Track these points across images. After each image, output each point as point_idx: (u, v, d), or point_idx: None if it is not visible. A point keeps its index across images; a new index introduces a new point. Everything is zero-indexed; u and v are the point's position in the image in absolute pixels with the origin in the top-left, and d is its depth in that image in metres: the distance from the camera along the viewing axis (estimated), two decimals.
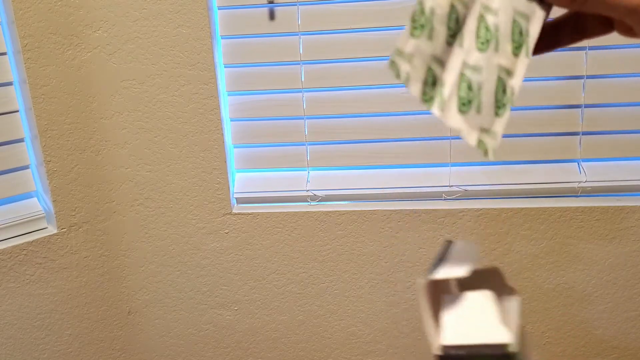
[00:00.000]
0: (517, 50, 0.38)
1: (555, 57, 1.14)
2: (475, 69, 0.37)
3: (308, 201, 1.26)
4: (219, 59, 1.19)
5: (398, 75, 0.37)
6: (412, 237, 1.23)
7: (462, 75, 0.37)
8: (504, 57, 0.38)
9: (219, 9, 1.17)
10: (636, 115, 1.16)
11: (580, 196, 1.20)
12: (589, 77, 1.15)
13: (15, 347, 1.20)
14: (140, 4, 1.13)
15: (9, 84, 1.12)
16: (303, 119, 1.22)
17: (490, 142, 0.37)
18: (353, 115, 1.20)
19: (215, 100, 1.18)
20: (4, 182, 1.14)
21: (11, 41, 1.10)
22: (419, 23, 0.37)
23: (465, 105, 0.37)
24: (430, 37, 0.37)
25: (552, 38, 0.40)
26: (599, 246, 1.21)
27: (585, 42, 1.12)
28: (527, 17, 0.38)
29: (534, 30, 0.38)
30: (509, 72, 0.38)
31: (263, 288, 1.32)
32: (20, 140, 1.15)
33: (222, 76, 1.21)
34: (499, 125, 0.38)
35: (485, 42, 0.37)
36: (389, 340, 1.33)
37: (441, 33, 0.37)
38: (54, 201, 1.16)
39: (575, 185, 1.19)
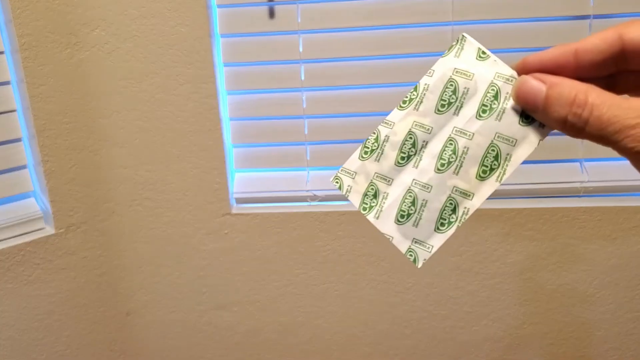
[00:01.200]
0: (484, 174, 0.39)
1: None
2: (425, 187, 0.40)
3: (308, 201, 1.25)
4: (218, 57, 1.18)
5: (340, 188, 0.41)
6: None
7: (409, 190, 0.40)
8: (462, 179, 0.39)
9: (218, 7, 1.16)
10: None
11: (582, 196, 1.19)
12: None
13: (13, 348, 1.19)
14: (139, 2, 1.12)
15: (7, 83, 1.11)
16: (303, 118, 1.21)
17: (421, 253, 0.40)
18: (353, 114, 1.20)
19: (214, 99, 1.18)
20: (1, 182, 1.13)
21: (9, 40, 1.09)
22: (370, 149, 0.42)
23: (403, 218, 0.40)
24: (378, 159, 0.41)
25: None
26: (602, 247, 1.20)
27: None
28: (514, 141, 0.39)
29: (520, 155, 0.39)
30: (466, 194, 0.40)
31: (263, 289, 1.31)
32: (18, 140, 1.14)
33: (222, 75, 1.20)
34: (438, 240, 0.40)
35: (447, 164, 0.40)
36: (390, 341, 1.32)
37: (391, 156, 0.41)
38: (51, 201, 1.16)
39: (578, 185, 1.18)
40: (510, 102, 0.39)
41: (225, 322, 1.34)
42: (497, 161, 0.39)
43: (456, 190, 0.40)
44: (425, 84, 0.41)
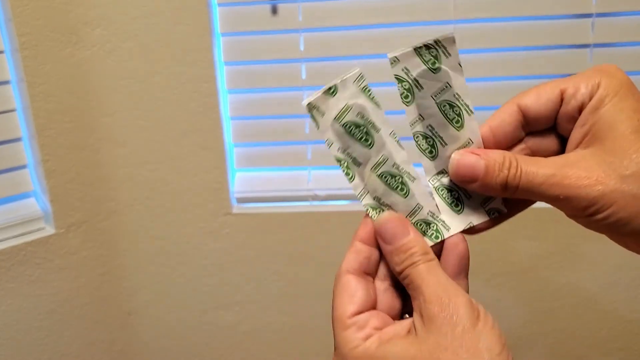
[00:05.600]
0: (458, 123, 0.43)
1: (560, 55, 1.13)
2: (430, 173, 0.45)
3: (309, 201, 1.25)
4: (219, 56, 1.18)
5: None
6: None
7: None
8: (453, 142, 0.44)
9: (218, 6, 1.16)
10: None
11: None
12: None
13: (14, 348, 1.19)
14: (140, 1, 1.12)
15: (7, 82, 1.11)
16: (304, 117, 1.21)
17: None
18: None
19: (215, 98, 1.17)
20: (1, 181, 1.13)
21: (9, 39, 1.09)
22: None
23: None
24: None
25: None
26: (604, 246, 1.19)
27: (590, 40, 1.11)
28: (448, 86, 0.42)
29: (460, 82, 0.42)
30: (468, 142, 0.44)
31: (264, 289, 1.31)
32: (18, 140, 1.14)
33: (222, 74, 1.19)
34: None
35: (431, 147, 0.44)
36: None
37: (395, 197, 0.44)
38: (52, 201, 1.15)
39: None
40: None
41: (226, 322, 1.34)
42: (453, 110, 0.42)
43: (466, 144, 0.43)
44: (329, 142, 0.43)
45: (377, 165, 0.43)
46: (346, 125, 0.42)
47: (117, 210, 1.25)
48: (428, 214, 0.43)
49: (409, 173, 0.43)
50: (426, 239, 0.43)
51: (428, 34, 0.42)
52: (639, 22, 1.10)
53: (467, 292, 0.43)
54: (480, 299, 1.25)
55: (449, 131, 0.42)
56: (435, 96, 0.42)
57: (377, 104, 0.43)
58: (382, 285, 0.43)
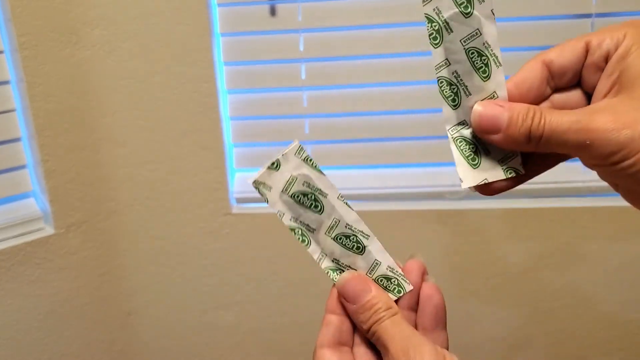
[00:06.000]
0: (484, 73, 0.42)
1: None
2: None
3: None
4: (219, 56, 1.18)
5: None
6: (413, 237, 1.22)
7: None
8: (477, 93, 0.42)
9: (218, 6, 1.16)
10: None
11: (585, 196, 1.19)
12: None
13: (14, 348, 1.19)
14: (139, 1, 1.12)
15: (6, 82, 1.11)
16: (304, 117, 1.21)
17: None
18: (354, 113, 1.19)
19: (214, 98, 1.17)
20: (1, 182, 1.13)
21: (8, 39, 1.09)
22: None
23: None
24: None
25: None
26: (604, 247, 1.19)
27: None
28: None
29: (491, 29, 0.42)
30: (493, 95, 0.43)
31: (264, 289, 1.31)
32: (17, 140, 1.14)
33: (222, 74, 1.19)
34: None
35: (454, 96, 0.43)
36: None
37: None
38: (51, 201, 1.15)
39: (580, 185, 1.18)
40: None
41: (225, 322, 1.34)
42: (481, 59, 0.41)
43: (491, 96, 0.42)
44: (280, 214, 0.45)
45: (330, 228, 0.44)
46: (295, 195, 0.44)
47: (117, 210, 1.25)
48: (387, 269, 0.44)
49: (362, 232, 0.44)
50: (389, 294, 0.43)
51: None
52: None
53: (447, 343, 0.43)
54: (480, 299, 1.26)
55: (475, 81, 0.41)
56: (464, 42, 0.41)
57: (320, 172, 0.44)
58: (359, 349, 0.44)
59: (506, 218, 1.19)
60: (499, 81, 0.41)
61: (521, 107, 0.39)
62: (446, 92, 0.42)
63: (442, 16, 0.41)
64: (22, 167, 1.16)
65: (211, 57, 1.15)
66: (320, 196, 0.43)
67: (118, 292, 1.31)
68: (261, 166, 0.44)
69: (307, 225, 0.44)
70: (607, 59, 0.39)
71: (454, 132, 0.43)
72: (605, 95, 0.40)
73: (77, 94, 1.15)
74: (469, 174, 0.42)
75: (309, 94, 1.19)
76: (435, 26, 0.41)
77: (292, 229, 0.45)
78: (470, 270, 1.24)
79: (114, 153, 1.21)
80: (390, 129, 1.19)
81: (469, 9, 0.41)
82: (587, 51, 0.40)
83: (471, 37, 0.41)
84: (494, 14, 0.41)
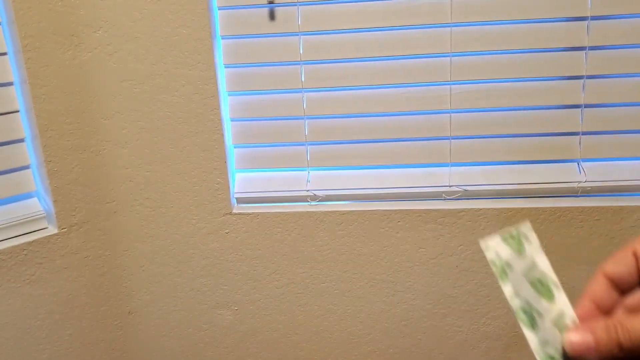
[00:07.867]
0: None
1: (555, 57, 1.14)
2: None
3: (308, 201, 1.26)
4: (219, 59, 1.19)
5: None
6: (412, 237, 1.23)
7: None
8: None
9: (219, 9, 1.17)
10: (636, 115, 1.16)
11: (580, 196, 1.20)
12: (588, 77, 1.15)
13: (15, 347, 1.20)
14: (141, 4, 1.13)
15: (10, 84, 1.12)
16: (303, 119, 1.22)
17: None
18: (353, 115, 1.20)
19: (215, 100, 1.18)
20: (4, 182, 1.14)
21: (11, 41, 1.10)
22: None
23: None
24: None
25: None
26: (599, 246, 1.21)
27: (585, 42, 1.13)
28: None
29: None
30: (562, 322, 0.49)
31: (263, 288, 1.32)
32: (21, 141, 1.15)
33: (222, 76, 1.21)
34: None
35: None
36: (389, 340, 1.33)
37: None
38: (54, 201, 1.16)
39: (575, 185, 1.19)
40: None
41: (225, 321, 1.35)
42: (543, 286, 0.50)
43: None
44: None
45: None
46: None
47: (118, 210, 1.26)
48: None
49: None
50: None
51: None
52: (634, 24, 1.12)
53: None
54: (476, 297, 1.27)
55: (542, 304, 0.49)
56: (526, 275, 0.49)
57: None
58: None
59: (502, 218, 1.21)
60: (563, 300, 0.48)
61: (599, 324, 0.43)
62: (523, 318, 0.49)
63: (502, 258, 0.49)
64: (26, 167, 1.17)
65: (212, 59, 1.16)
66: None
67: (119, 291, 1.31)
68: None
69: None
70: None
71: (543, 354, 0.50)
72: None
73: (80, 95, 1.16)
74: None
75: (308, 96, 1.21)
76: (499, 267, 0.49)
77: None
78: (466, 269, 1.25)
79: (115, 154, 1.22)
80: (389, 130, 1.20)
81: (522, 250, 0.49)
82: (637, 259, 0.46)
83: (529, 269, 0.49)
84: (541, 248, 0.49)
